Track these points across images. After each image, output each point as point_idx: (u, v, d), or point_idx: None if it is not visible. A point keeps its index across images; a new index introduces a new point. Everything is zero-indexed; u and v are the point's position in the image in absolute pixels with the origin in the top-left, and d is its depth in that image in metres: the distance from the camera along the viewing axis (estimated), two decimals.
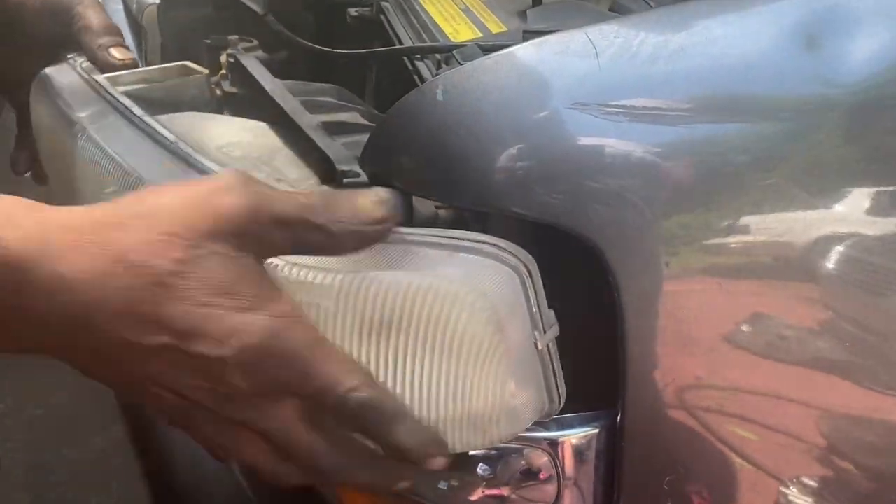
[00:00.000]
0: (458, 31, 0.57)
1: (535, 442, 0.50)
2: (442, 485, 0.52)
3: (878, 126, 0.47)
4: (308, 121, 0.53)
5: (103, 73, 0.65)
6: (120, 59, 0.65)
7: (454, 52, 0.52)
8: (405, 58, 0.57)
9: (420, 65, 0.55)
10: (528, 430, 0.50)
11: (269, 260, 0.43)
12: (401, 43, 0.59)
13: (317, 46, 0.60)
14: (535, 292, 0.45)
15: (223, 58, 0.65)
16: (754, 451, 0.49)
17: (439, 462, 0.44)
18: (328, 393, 0.41)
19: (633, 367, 0.47)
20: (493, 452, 0.50)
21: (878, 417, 0.48)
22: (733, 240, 0.46)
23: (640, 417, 0.49)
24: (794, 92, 0.47)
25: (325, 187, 0.44)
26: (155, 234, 0.39)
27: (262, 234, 0.40)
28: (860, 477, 0.49)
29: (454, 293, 0.43)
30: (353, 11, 0.65)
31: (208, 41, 0.69)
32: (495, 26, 0.57)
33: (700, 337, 0.47)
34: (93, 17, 0.66)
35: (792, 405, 0.48)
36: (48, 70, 0.69)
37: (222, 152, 0.54)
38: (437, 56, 0.54)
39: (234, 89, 0.63)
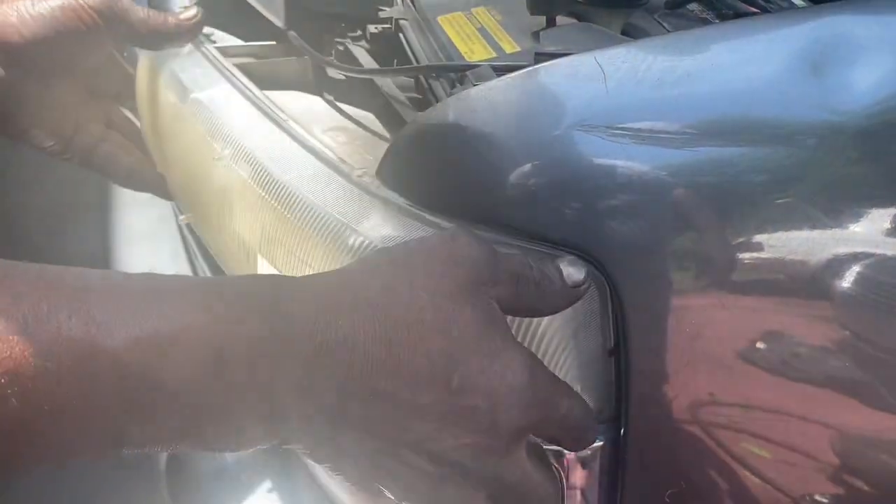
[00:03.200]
0: (473, 50, 0.58)
1: None
2: None
3: (891, 149, 0.48)
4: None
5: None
6: (190, 18, 0.63)
7: (468, 72, 0.53)
8: (420, 76, 0.58)
9: (435, 83, 0.56)
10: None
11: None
12: (417, 61, 0.60)
13: (336, 62, 0.61)
14: (612, 305, 0.46)
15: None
16: (763, 468, 0.49)
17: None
18: (570, 417, 0.43)
19: (636, 381, 0.49)
20: None
21: (892, 437, 0.48)
22: (746, 257, 0.46)
23: (642, 431, 0.50)
24: (800, 117, 0.48)
25: None
26: (420, 290, 0.39)
27: (496, 282, 0.41)
28: (873, 496, 0.49)
29: None
30: (372, 28, 0.67)
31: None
32: (509, 46, 0.58)
33: (707, 352, 0.48)
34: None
35: (804, 423, 0.49)
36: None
37: (328, 136, 0.56)
38: (452, 75, 0.55)
39: (338, 75, 0.65)
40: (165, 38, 0.62)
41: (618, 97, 0.46)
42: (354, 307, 0.38)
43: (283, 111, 0.58)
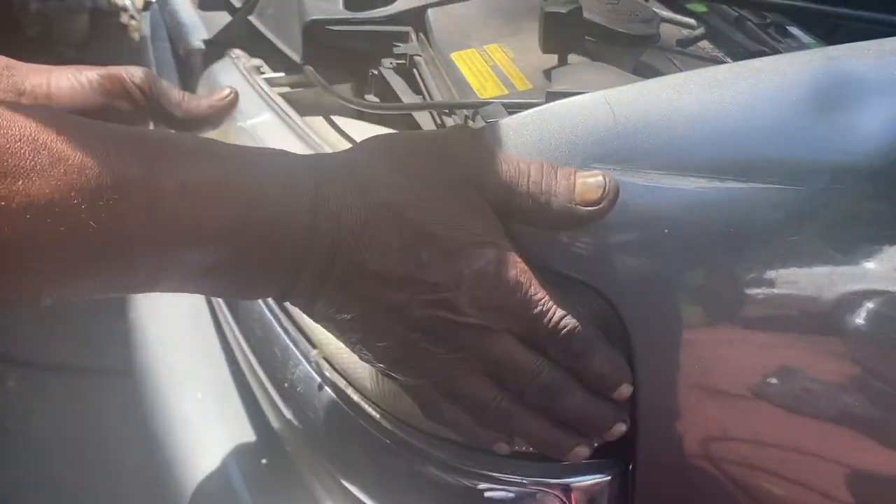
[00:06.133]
0: (486, 87, 0.59)
1: (548, 486, 0.52)
2: None
3: None
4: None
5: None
6: (223, 99, 0.64)
7: (479, 109, 0.54)
8: (433, 112, 0.59)
9: (448, 120, 0.57)
10: (541, 474, 0.52)
11: None
12: (431, 96, 0.61)
13: (349, 98, 0.63)
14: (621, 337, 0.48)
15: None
16: None
17: (625, 391, 0.48)
18: (542, 320, 0.45)
19: (645, 415, 0.49)
20: (510, 495, 0.52)
21: None
22: (759, 292, 0.47)
23: (651, 466, 0.50)
24: (809, 157, 0.48)
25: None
26: (402, 176, 0.44)
27: (483, 187, 0.45)
28: None
29: None
30: (387, 63, 0.68)
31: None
32: (521, 84, 0.59)
33: (716, 388, 0.48)
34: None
35: (816, 460, 0.49)
36: (215, 66, 0.76)
37: None
38: (465, 112, 0.56)
39: (374, 99, 0.69)
40: (197, 122, 0.63)
41: (627, 136, 0.47)
42: (344, 189, 0.43)
43: (317, 135, 0.61)
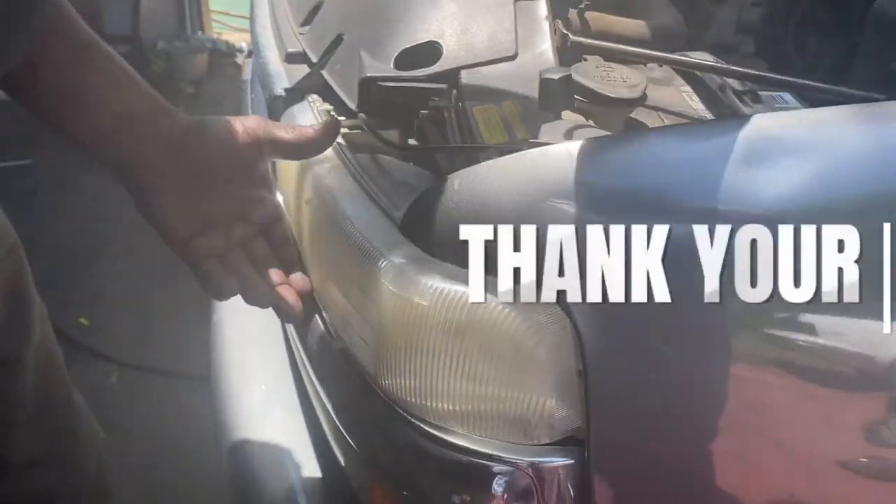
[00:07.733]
0: (493, 135, 0.72)
1: (518, 465, 0.63)
2: (455, 498, 0.66)
3: None
4: None
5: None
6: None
7: (480, 152, 0.68)
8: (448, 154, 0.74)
9: (459, 161, 0.71)
10: (515, 453, 0.64)
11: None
12: (451, 142, 0.76)
13: (384, 139, 0.77)
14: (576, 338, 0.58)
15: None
16: None
17: None
18: None
19: (594, 414, 0.60)
20: (489, 468, 0.63)
21: None
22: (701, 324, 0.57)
23: (600, 454, 0.61)
24: (726, 204, 0.57)
25: None
26: None
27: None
28: None
29: (518, 317, 0.58)
30: (423, 114, 0.83)
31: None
32: (522, 134, 0.72)
33: (659, 395, 0.58)
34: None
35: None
36: (295, 107, 0.93)
37: (396, 191, 0.73)
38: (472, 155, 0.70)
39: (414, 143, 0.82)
40: (307, 149, 0.75)
41: (580, 180, 0.59)
42: None
43: (361, 167, 0.75)
